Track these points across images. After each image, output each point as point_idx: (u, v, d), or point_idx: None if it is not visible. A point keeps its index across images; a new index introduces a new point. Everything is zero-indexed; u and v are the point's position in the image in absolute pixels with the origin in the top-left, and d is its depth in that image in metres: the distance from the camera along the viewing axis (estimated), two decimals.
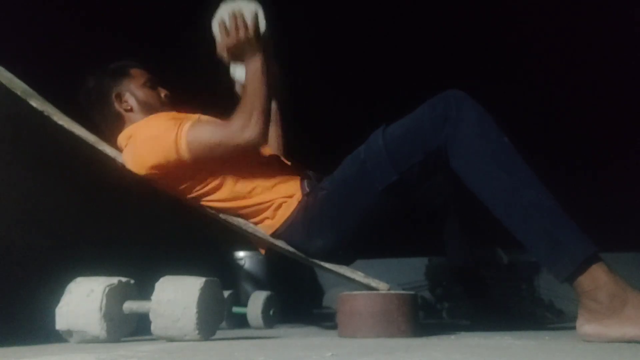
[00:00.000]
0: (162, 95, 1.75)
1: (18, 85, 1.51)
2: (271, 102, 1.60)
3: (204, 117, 1.65)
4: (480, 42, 3.10)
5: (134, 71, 1.75)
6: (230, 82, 1.71)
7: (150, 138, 1.57)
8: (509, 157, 1.31)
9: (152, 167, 1.56)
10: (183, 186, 1.60)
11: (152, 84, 1.75)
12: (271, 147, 1.87)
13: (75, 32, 2.19)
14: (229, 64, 1.66)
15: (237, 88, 1.71)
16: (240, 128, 1.52)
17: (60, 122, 1.55)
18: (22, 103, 1.49)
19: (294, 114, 1.95)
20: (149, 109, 1.70)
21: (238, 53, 1.60)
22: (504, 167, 1.30)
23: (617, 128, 3.00)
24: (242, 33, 1.56)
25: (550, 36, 3.08)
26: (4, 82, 1.48)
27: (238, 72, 1.65)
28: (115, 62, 1.77)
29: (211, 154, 1.55)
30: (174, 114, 1.67)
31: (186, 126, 1.54)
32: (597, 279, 1.18)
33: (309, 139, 2.10)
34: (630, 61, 2.92)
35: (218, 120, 1.59)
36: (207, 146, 1.53)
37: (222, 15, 1.60)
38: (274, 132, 1.91)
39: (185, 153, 1.53)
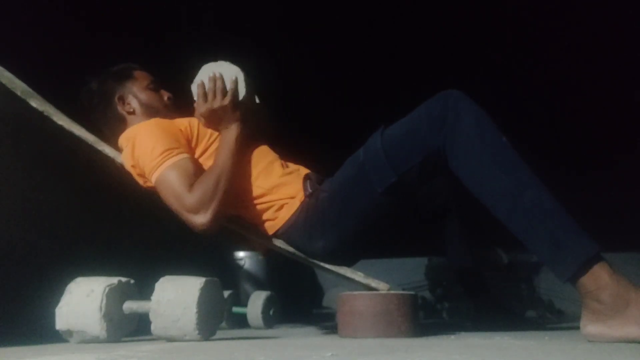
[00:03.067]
0: (165, 97, 1.75)
1: (18, 86, 1.51)
2: (232, 178, 1.53)
3: (184, 164, 1.53)
4: (478, 42, 3.10)
5: (137, 73, 1.75)
6: None
7: (144, 151, 1.55)
8: (507, 157, 1.31)
9: (139, 172, 1.58)
10: None
11: (155, 86, 1.74)
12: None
13: (76, 32, 2.19)
14: (207, 127, 1.64)
15: None
16: (194, 208, 1.47)
17: (60, 123, 1.55)
18: (22, 103, 1.49)
19: (295, 115, 1.95)
20: (151, 111, 1.70)
21: (214, 120, 1.58)
22: (503, 167, 1.30)
23: (617, 127, 3.00)
24: (217, 101, 1.55)
25: (549, 35, 3.08)
26: (4, 82, 1.48)
27: None
28: (117, 65, 1.77)
29: (167, 205, 1.53)
30: (175, 127, 1.62)
31: (166, 164, 1.50)
32: (599, 279, 1.18)
33: (310, 141, 2.10)
34: (631, 61, 2.92)
35: (191, 178, 1.51)
36: (165, 198, 1.51)
37: (201, 77, 1.58)
38: None
39: (153, 183, 1.53)
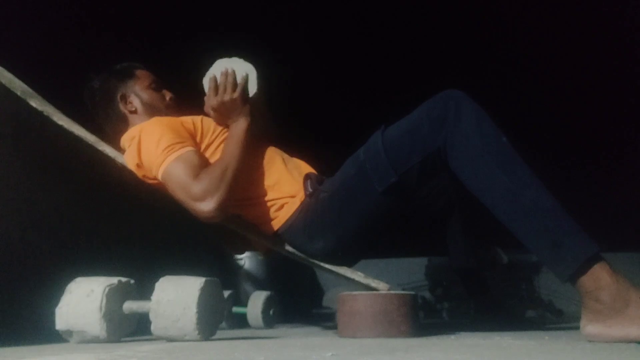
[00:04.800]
0: (167, 97, 1.75)
1: (18, 86, 1.51)
2: (240, 170, 1.54)
3: (189, 157, 1.53)
4: (479, 41, 3.10)
5: (140, 73, 1.75)
6: None
7: (148, 149, 1.56)
8: (508, 157, 1.31)
9: (144, 172, 1.58)
10: None
11: (157, 86, 1.75)
12: None
13: (76, 32, 2.19)
14: (215, 121, 1.66)
15: None
16: (201, 196, 1.47)
17: (60, 123, 1.55)
18: (22, 103, 1.49)
19: (297, 115, 1.95)
20: (153, 111, 1.70)
21: (223, 113, 1.60)
22: (504, 167, 1.30)
23: (617, 127, 3.00)
24: (228, 94, 1.57)
25: (549, 35, 3.08)
26: (4, 82, 1.48)
27: None
28: (120, 63, 1.77)
29: (174, 199, 1.53)
30: (179, 124, 1.63)
31: (170, 157, 1.51)
32: (599, 279, 1.18)
33: (311, 141, 2.10)
34: (631, 61, 2.92)
35: (196, 170, 1.51)
36: (171, 191, 1.52)
37: (214, 72, 1.61)
38: None
39: (160, 178, 1.53)
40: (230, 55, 1.63)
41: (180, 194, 1.49)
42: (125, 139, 1.66)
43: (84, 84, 1.75)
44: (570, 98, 3.05)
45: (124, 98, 1.71)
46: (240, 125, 1.58)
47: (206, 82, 1.62)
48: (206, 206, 1.47)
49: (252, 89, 1.60)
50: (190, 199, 1.48)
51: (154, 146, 1.54)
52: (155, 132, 1.57)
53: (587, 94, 3.04)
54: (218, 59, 1.63)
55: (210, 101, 1.60)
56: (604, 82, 3.02)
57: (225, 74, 1.58)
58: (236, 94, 1.57)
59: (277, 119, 1.79)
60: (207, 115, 1.66)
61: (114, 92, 1.71)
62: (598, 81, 3.03)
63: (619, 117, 3.00)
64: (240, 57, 1.63)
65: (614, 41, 2.99)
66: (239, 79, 1.59)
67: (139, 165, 1.58)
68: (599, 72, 3.03)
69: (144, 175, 1.59)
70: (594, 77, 3.02)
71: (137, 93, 1.71)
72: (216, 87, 1.59)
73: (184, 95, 1.78)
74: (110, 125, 1.71)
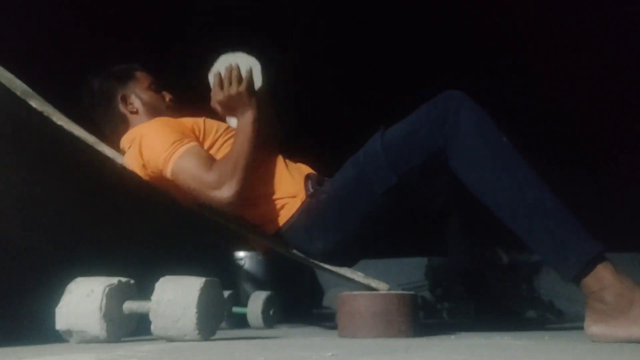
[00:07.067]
0: (167, 99, 1.76)
1: (18, 86, 1.51)
2: (252, 160, 1.57)
3: (196, 150, 1.58)
4: (479, 41, 3.10)
5: (139, 74, 1.76)
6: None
7: (153, 148, 1.57)
8: (509, 157, 1.31)
9: (149, 172, 1.59)
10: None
11: (157, 87, 1.75)
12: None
13: (76, 33, 2.19)
14: (222, 116, 1.67)
15: None
16: (217, 184, 1.51)
17: (60, 123, 1.55)
18: (21, 103, 1.49)
19: (298, 116, 1.95)
20: (154, 111, 1.70)
21: (230, 107, 1.60)
22: (505, 168, 1.30)
23: (617, 127, 3.00)
24: (234, 87, 1.57)
25: (550, 34, 3.08)
26: (4, 82, 1.48)
27: (233, 123, 1.66)
28: (119, 65, 1.77)
29: (187, 190, 1.56)
30: (180, 124, 1.65)
31: (178, 152, 1.54)
32: (603, 279, 1.17)
33: (312, 142, 2.10)
34: (631, 60, 2.92)
35: (207, 161, 1.55)
36: (184, 184, 1.54)
37: (218, 67, 1.61)
38: None
39: (169, 175, 1.55)
40: (234, 51, 1.63)
41: (194, 185, 1.52)
42: (125, 140, 1.66)
43: (82, 85, 1.75)
44: (570, 97, 3.05)
45: (125, 99, 1.71)
46: (248, 117, 1.58)
47: (211, 78, 1.63)
48: (224, 193, 1.50)
49: (257, 82, 1.61)
50: (206, 188, 1.51)
51: (158, 144, 1.55)
52: (157, 131, 1.58)
53: (588, 93, 3.04)
54: (222, 54, 1.63)
55: (217, 96, 1.60)
56: (605, 81, 3.02)
57: (230, 69, 1.59)
58: (242, 87, 1.57)
59: (281, 116, 1.79)
60: (213, 111, 1.65)
61: (115, 93, 1.71)
62: (598, 81, 3.02)
63: (620, 116, 3.00)
64: (244, 52, 1.63)
65: (615, 41, 2.99)
66: (243, 73, 1.59)
67: (144, 166, 1.58)
68: (600, 71, 3.02)
69: (151, 175, 1.58)
70: (594, 76, 3.02)
71: (137, 94, 1.72)
72: (221, 82, 1.59)
73: (185, 97, 1.78)
74: (110, 126, 1.71)
